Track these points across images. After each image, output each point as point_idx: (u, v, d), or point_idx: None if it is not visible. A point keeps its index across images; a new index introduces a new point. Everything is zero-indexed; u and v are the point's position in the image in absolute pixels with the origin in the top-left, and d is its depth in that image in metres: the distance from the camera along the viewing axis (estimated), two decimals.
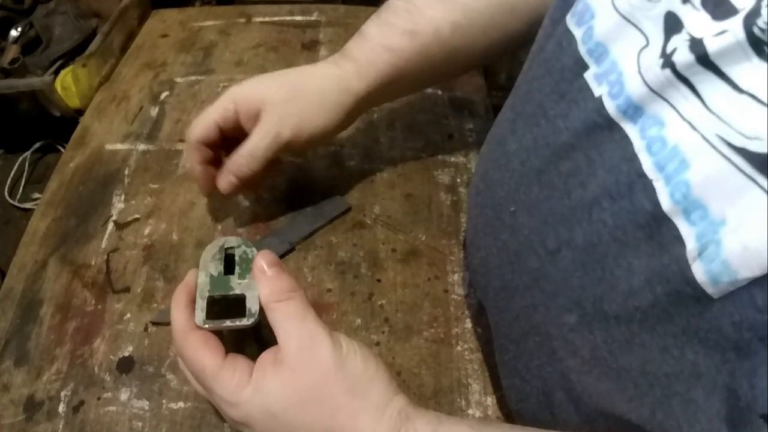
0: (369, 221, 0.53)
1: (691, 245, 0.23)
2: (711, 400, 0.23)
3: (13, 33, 0.70)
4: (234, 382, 0.32)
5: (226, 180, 0.47)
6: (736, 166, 0.21)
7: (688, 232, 0.23)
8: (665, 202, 0.24)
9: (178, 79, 0.68)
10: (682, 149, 0.23)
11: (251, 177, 0.46)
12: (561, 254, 0.30)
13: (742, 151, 0.21)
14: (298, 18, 0.77)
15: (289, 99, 0.46)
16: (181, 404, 0.42)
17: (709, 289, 0.22)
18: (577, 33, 0.30)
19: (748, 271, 0.21)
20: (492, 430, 0.33)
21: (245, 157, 0.45)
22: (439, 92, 0.65)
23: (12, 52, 0.67)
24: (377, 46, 0.47)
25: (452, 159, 0.59)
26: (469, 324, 0.46)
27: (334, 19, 0.77)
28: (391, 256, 0.51)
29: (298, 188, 0.56)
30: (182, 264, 0.50)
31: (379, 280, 0.49)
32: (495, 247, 0.37)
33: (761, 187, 0.20)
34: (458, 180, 0.57)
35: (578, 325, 0.29)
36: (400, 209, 0.54)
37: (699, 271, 0.22)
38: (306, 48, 0.72)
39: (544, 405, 0.34)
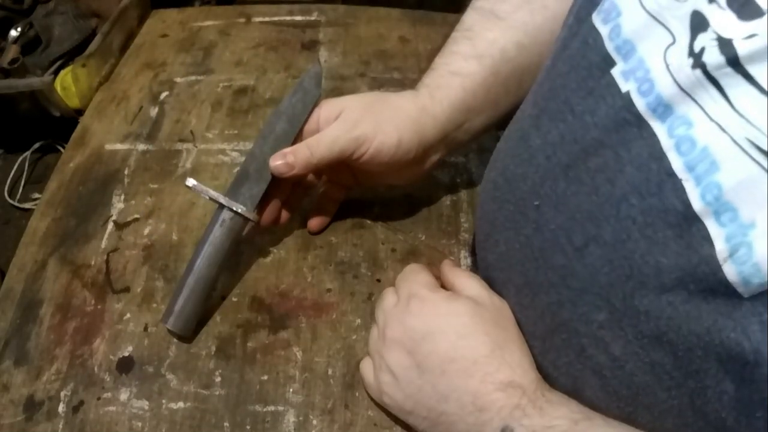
0: (369, 221, 0.53)
1: (720, 246, 0.24)
2: (742, 391, 0.24)
3: (13, 33, 0.70)
4: None
5: (283, 159, 0.43)
6: (766, 170, 0.22)
7: (717, 233, 0.24)
8: (696, 203, 0.24)
9: (178, 79, 0.68)
10: (712, 151, 0.24)
11: (308, 167, 0.44)
12: (588, 250, 0.30)
13: None
14: (298, 18, 0.77)
15: (367, 106, 0.46)
16: (180, 404, 0.42)
17: (740, 289, 0.23)
18: (604, 30, 0.30)
19: None
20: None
21: (313, 141, 0.43)
22: None
23: (12, 52, 0.67)
24: (445, 73, 0.47)
25: (452, 159, 0.59)
26: None
27: (334, 19, 0.77)
28: (391, 256, 0.51)
29: None
30: (182, 264, 0.50)
31: (379, 280, 0.49)
32: (517, 242, 0.37)
33: None
34: (458, 180, 0.57)
35: (608, 322, 0.30)
36: (400, 209, 0.54)
37: (731, 273, 0.23)
38: (306, 48, 0.72)
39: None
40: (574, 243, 0.31)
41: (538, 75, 0.39)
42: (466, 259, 0.50)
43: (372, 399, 0.41)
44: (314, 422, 0.41)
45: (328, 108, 0.46)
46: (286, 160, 0.43)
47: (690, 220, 0.25)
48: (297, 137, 0.46)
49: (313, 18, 0.77)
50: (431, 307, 0.37)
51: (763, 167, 0.22)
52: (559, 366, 0.35)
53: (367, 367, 0.41)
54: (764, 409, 0.23)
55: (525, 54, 0.46)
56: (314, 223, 0.51)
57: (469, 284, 0.40)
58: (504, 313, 0.39)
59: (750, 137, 0.22)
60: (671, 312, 0.26)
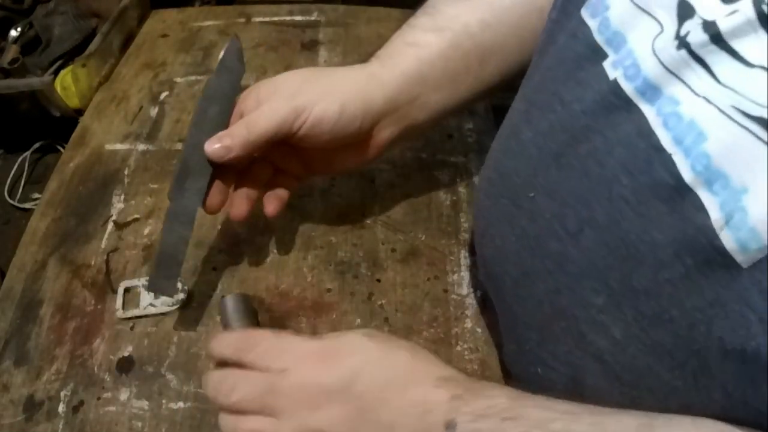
0: (369, 221, 0.53)
1: (715, 215, 0.24)
2: (749, 365, 0.24)
3: (13, 33, 0.70)
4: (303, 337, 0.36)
5: (219, 142, 0.40)
6: (754, 134, 0.22)
7: (710, 201, 0.24)
8: (687, 174, 0.25)
9: (178, 79, 0.68)
10: (699, 122, 0.24)
11: (246, 147, 0.40)
12: (583, 234, 0.31)
13: (758, 120, 0.22)
14: (298, 18, 0.77)
15: (306, 78, 0.43)
16: (180, 404, 0.42)
17: (739, 257, 0.23)
18: (592, 24, 0.31)
19: None
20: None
21: (250, 118, 0.40)
22: None
23: (12, 52, 0.67)
24: (400, 44, 0.45)
25: (452, 159, 0.59)
26: (469, 324, 0.46)
27: (334, 19, 0.77)
28: (391, 256, 0.51)
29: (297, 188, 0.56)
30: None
31: (378, 280, 0.49)
32: (513, 235, 0.37)
33: None
34: (458, 180, 0.57)
35: (606, 306, 0.30)
36: (400, 209, 0.54)
37: (728, 240, 0.23)
38: (306, 48, 0.72)
39: (573, 391, 0.34)
40: (569, 228, 0.32)
41: (527, 70, 0.39)
42: (466, 259, 0.50)
43: None
44: None
45: (266, 86, 0.43)
46: (222, 143, 0.40)
47: (682, 193, 0.25)
48: (230, 117, 0.43)
49: (313, 18, 0.77)
50: (334, 352, 0.34)
51: (749, 131, 0.22)
52: (558, 355, 0.35)
53: None
54: None
55: (489, 32, 0.44)
56: (268, 209, 0.46)
57: (339, 333, 0.37)
58: (382, 333, 0.37)
59: (735, 104, 0.23)
60: (670, 289, 0.26)
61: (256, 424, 0.33)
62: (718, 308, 0.24)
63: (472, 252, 0.51)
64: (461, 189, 0.56)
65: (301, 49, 0.72)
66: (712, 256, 0.24)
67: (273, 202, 0.45)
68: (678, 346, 0.27)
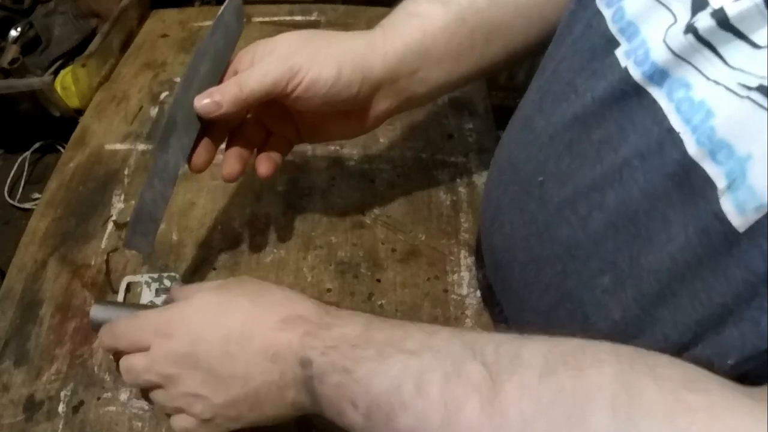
0: (369, 221, 0.53)
1: (721, 184, 0.24)
2: (736, 332, 0.24)
3: (13, 33, 0.70)
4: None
5: (210, 98, 0.39)
6: (756, 103, 0.22)
7: (716, 172, 0.24)
8: (692, 149, 0.25)
9: (178, 79, 0.68)
10: (708, 102, 0.25)
11: (237, 104, 0.39)
12: (592, 218, 0.31)
13: (759, 89, 0.22)
14: (298, 18, 0.77)
15: (306, 40, 0.41)
16: None
17: (736, 221, 0.23)
18: (607, 13, 0.31)
19: None
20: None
21: (243, 76, 0.39)
22: None
23: (12, 52, 0.67)
24: (404, 15, 0.44)
25: (452, 159, 0.59)
26: (469, 324, 0.46)
27: (334, 19, 0.77)
28: (391, 256, 0.51)
29: (297, 188, 0.56)
30: (182, 264, 0.50)
31: (378, 280, 0.49)
32: (522, 221, 0.37)
33: None
34: (458, 180, 0.57)
35: (611, 285, 0.30)
36: (400, 209, 0.54)
37: (727, 203, 0.24)
38: None
39: None
40: (579, 213, 0.32)
41: (541, 62, 0.39)
42: (466, 258, 0.50)
43: None
44: (314, 421, 0.41)
45: (264, 45, 0.41)
46: (212, 98, 0.39)
47: (687, 167, 0.25)
48: (223, 76, 0.42)
49: (313, 18, 0.77)
50: (177, 319, 0.34)
51: (754, 102, 0.23)
52: None
53: (182, 422, 0.35)
54: None
55: (497, 8, 0.43)
56: (261, 169, 0.44)
57: (195, 287, 0.38)
58: (240, 279, 0.37)
59: (742, 81, 0.23)
60: (670, 264, 0.27)
61: (158, 396, 0.35)
62: (719, 275, 0.24)
63: (473, 252, 0.51)
64: (461, 189, 0.56)
65: None
66: (710, 221, 0.24)
67: (265, 163, 0.44)
68: (676, 322, 0.27)
